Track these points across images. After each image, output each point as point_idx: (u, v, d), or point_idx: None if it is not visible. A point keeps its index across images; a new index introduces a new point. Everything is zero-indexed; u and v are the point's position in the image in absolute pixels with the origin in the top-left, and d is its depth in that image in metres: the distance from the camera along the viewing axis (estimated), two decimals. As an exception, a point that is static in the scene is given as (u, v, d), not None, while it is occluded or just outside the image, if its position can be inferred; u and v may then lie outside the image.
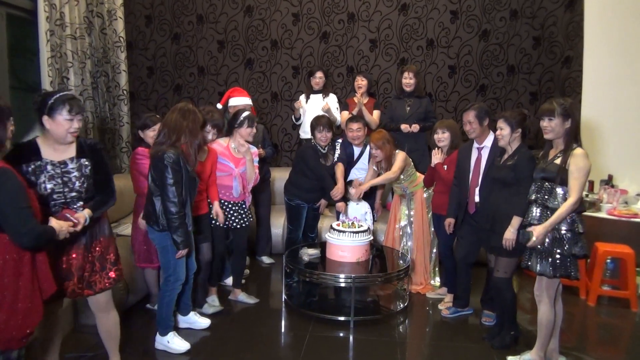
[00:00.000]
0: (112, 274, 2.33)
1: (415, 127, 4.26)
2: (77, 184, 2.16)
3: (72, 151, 2.19)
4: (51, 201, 2.12)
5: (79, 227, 2.09)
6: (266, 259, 4.43)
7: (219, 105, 3.99)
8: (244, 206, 3.44)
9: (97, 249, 2.29)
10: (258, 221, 4.40)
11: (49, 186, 2.10)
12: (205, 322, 3.07)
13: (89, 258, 2.26)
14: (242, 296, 3.55)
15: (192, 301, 3.13)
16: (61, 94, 2.14)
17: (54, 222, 1.96)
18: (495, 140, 3.13)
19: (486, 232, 2.89)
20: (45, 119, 2.10)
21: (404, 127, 4.27)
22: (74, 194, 2.16)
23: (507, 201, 2.76)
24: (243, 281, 3.88)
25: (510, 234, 2.69)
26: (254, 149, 3.52)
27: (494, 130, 3.17)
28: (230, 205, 3.36)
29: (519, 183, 2.70)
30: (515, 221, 2.68)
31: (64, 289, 2.20)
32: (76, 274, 2.22)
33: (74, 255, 2.22)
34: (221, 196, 3.32)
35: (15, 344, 1.80)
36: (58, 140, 2.14)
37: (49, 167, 2.11)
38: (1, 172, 1.74)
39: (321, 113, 4.20)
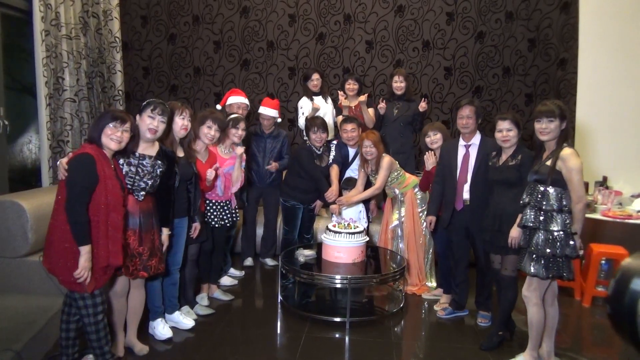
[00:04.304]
0: (163, 262, 2.67)
1: (423, 104, 4.21)
2: (146, 177, 2.49)
3: (152, 151, 2.57)
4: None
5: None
6: (270, 261, 4.40)
7: (219, 107, 3.99)
8: (229, 205, 3.46)
9: (157, 237, 2.63)
10: (264, 223, 4.39)
11: (124, 169, 2.45)
12: (189, 323, 3.05)
13: (154, 243, 2.59)
14: (217, 293, 3.58)
15: (181, 299, 3.16)
16: (153, 99, 2.62)
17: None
18: (483, 140, 3.16)
19: (494, 233, 2.87)
20: (137, 117, 2.54)
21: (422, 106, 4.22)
22: (142, 184, 2.48)
23: (513, 201, 2.74)
24: (236, 282, 3.90)
25: (516, 232, 2.68)
26: (241, 150, 3.51)
27: (480, 130, 3.20)
28: (212, 204, 3.36)
29: (524, 182, 2.70)
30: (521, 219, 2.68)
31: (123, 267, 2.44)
32: (145, 255, 2.53)
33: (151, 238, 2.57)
34: (207, 195, 3.34)
35: (77, 287, 2.20)
36: (142, 136, 2.52)
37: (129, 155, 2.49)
38: (84, 155, 2.12)
39: (321, 113, 4.21)
